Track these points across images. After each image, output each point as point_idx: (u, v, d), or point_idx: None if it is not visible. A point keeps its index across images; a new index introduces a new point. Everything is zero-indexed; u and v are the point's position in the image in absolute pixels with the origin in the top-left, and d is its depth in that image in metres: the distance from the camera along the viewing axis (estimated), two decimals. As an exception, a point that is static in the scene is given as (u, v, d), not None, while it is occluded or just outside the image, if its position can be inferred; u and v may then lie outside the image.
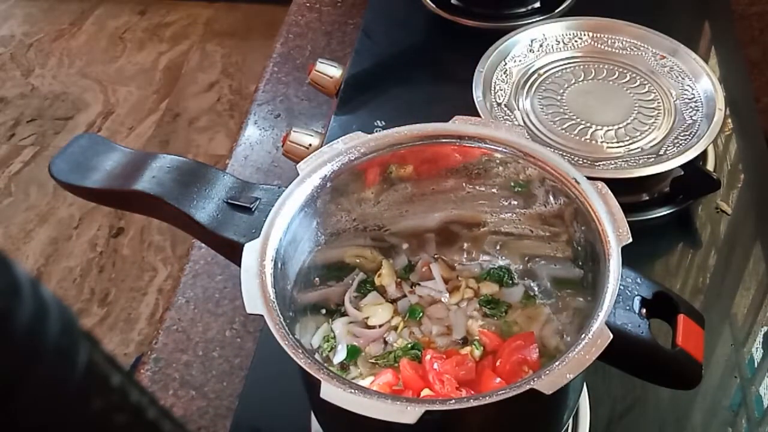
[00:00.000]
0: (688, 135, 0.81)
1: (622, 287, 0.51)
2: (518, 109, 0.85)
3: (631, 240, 0.51)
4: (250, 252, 0.52)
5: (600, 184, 0.55)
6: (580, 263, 0.57)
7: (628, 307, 0.52)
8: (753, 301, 0.74)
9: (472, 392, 0.55)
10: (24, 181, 2.22)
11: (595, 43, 0.92)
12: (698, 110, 0.83)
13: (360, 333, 0.62)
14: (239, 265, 0.52)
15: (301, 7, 1.15)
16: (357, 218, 0.62)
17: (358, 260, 0.65)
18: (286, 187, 0.57)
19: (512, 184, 0.61)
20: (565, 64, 0.91)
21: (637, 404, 0.66)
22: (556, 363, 0.46)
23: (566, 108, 0.85)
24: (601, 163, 0.79)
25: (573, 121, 0.84)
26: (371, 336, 0.62)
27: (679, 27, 0.96)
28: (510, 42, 0.91)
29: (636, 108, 0.85)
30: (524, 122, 0.84)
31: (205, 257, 0.82)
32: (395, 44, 1.03)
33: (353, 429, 0.53)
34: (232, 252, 0.56)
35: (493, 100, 0.86)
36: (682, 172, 0.78)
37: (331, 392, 0.45)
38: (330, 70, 0.95)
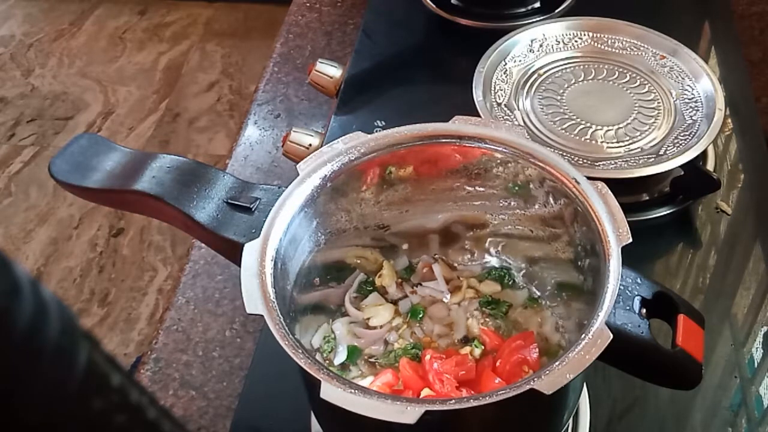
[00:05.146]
0: (688, 135, 0.81)
1: (622, 287, 0.51)
2: (518, 109, 0.85)
3: (631, 240, 0.51)
4: (250, 252, 0.52)
5: (600, 184, 0.55)
6: (581, 264, 0.57)
7: (628, 307, 0.52)
8: (753, 301, 0.74)
9: (472, 392, 0.55)
10: (24, 181, 2.22)
11: (595, 43, 0.92)
12: (698, 110, 0.83)
13: (361, 333, 0.62)
14: (239, 265, 0.52)
15: (301, 7, 1.15)
16: (357, 218, 0.62)
17: (358, 261, 0.64)
18: (286, 187, 0.57)
19: (512, 184, 0.61)
20: (565, 64, 0.91)
21: (637, 404, 0.66)
22: (556, 363, 0.46)
23: (566, 108, 0.85)
24: (601, 163, 0.79)
25: (573, 121, 0.84)
26: (372, 336, 0.62)
27: (679, 27, 0.96)
28: (510, 42, 0.91)
29: (636, 108, 0.85)
30: (524, 122, 0.84)
31: (205, 257, 0.82)
32: (395, 44, 1.03)
33: (353, 429, 0.53)
34: (232, 252, 0.56)
35: (493, 100, 0.86)
36: (682, 172, 0.78)
37: (331, 392, 0.45)
38: (330, 70, 0.95)
